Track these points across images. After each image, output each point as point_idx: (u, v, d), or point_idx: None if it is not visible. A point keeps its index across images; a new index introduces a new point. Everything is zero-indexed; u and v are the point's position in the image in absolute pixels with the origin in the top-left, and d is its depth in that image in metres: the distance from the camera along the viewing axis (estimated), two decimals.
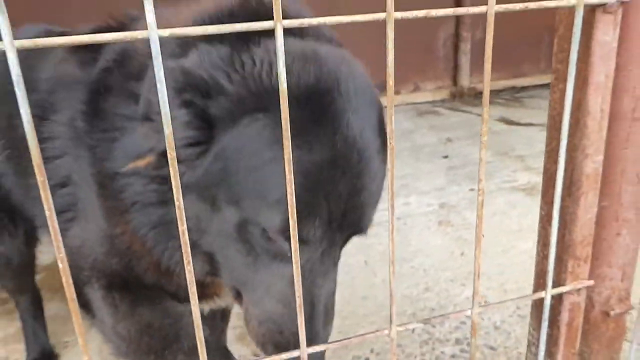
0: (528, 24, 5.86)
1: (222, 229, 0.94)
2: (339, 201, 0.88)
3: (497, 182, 3.42)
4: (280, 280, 0.94)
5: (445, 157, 3.98)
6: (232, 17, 0.97)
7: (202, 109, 0.86)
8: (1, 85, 1.40)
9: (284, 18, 0.61)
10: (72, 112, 1.17)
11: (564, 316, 0.89)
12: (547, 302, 0.84)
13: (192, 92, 0.85)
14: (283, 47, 0.61)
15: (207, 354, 0.79)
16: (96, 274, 1.21)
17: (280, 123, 0.75)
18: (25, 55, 1.47)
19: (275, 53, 0.83)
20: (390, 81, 0.66)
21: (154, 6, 0.54)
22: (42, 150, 1.22)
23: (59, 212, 1.24)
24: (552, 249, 0.81)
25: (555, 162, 0.80)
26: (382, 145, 0.95)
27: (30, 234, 1.73)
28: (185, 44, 0.94)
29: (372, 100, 0.95)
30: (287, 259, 0.91)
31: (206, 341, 0.87)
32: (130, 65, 1.06)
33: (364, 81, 0.96)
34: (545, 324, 0.85)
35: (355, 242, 2.94)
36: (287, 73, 0.83)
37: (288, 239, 0.86)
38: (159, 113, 0.83)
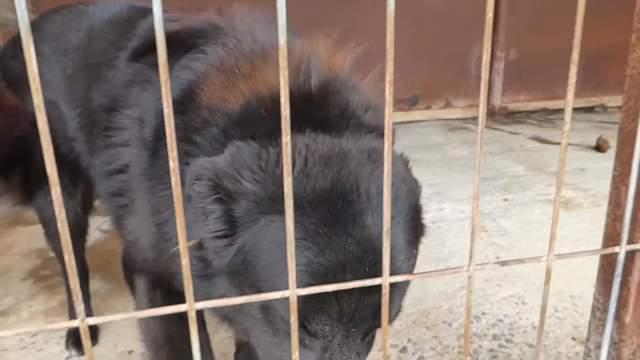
0: (564, 47, 5.87)
1: (250, 311, 0.97)
2: (350, 300, 0.87)
3: (532, 195, 3.41)
4: None
5: None
6: (268, 113, 1.00)
7: (230, 208, 0.92)
8: (82, 59, 1.47)
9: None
10: (142, 113, 1.21)
11: (635, 276, 0.89)
12: (621, 258, 0.85)
13: (222, 191, 0.92)
14: None
15: None
16: (144, 270, 1.26)
17: (296, 226, 0.82)
18: (105, 48, 1.53)
19: (298, 152, 0.90)
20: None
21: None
22: (108, 137, 1.29)
23: (113, 195, 1.30)
24: (630, 201, 0.82)
25: (634, 120, 0.81)
26: (411, 239, 0.95)
27: (87, 199, 1.78)
28: (223, 139, 1.00)
29: (400, 197, 0.95)
30: (307, 345, 0.93)
31: None
32: (190, 116, 1.09)
33: (392, 182, 0.95)
34: (617, 280, 0.86)
35: None
36: (306, 176, 0.89)
37: (302, 329, 0.90)
38: (196, 207, 0.94)
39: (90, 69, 1.45)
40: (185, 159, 1.03)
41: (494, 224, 2.96)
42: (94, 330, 2.03)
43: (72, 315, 2.03)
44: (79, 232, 1.87)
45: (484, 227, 2.93)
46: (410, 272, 0.98)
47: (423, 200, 3.15)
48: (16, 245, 2.88)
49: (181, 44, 1.21)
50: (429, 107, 5.87)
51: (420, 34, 5.45)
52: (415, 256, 0.99)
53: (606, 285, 0.96)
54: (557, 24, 5.65)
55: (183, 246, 0.65)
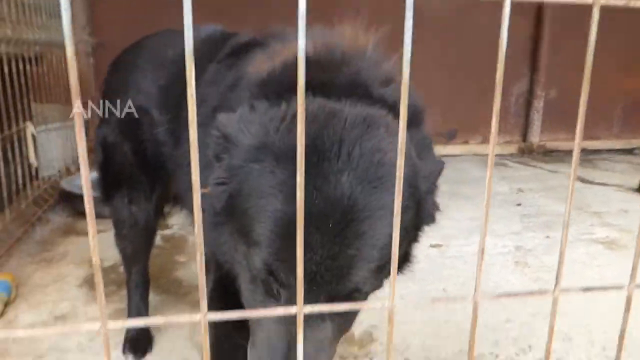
0: (605, 87, 5.88)
1: (237, 257, 1.05)
2: (312, 256, 0.89)
3: (575, 234, 3.40)
4: (267, 320, 0.97)
5: (519, 205, 3.99)
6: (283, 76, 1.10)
7: (232, 158, 1.02)
8: (176, 72, 1.59)
9: None
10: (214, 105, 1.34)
11: None
12: None
13: (228, 142, 1.03)
14: None
15: None
16: (213, 264, 1.33)
17: (269, 175, 0.92)
18: (198, 61, 1.66)
19: (291, 111, 0.98)
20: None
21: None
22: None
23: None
24: None
25: None
26: (392, 216, 0.98)
27: (161, 205, 1.87)
28: (247, 98, 1.12)
29: (385, 164, 0.95)
30: (274, 293, 0.96)
31: None
32: (236, 94, 1.24)
33: (381, 148, 0.96)
34: None
35: (433, 272, 2.96)
36: (288, 131, 0.96)
37: (269, 276, 0.94)
38: (209, 155, 1.05)
39: (183, 80, 1.56)
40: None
41: (537, 261, 2.97)
42: (148, 338, 2.10)
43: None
44: (148, 236, 1.95)
45: (526, 263, 2.93)
46: (388, 246, 0.94)
47: (464, 232, 3.19)
48: (70, 254, 2.99)
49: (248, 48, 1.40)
50: (466, 142, 5.91)
51: (461, 68, 5.54)
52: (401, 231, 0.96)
53: None
54: (599, 65, 5.67)
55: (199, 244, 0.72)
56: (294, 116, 0.96)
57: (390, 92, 1.09)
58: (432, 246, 3.09)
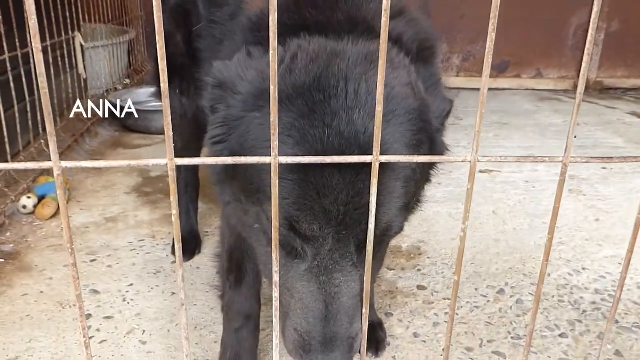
0: None
1: (248, 221, 0.98)
2: (335, 198, 0.83)
3: (634, 166, 3.24)
4: (294, 277, 0.93)
5: (574, 137, 3.81)
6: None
7: (229, 112, 0.94)
8: None
9: None
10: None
11: None
12: None
13: (225, 93, 0.95)
14: None
15: None
16: (227, 230, 1.38)
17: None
18: None
19: (286, 51, 0.90)
20: None
21: None
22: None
23: None
24: None
25: None
26: (409, 143, 0.89)
27: None
28: (248, 42, 1.03)
29: (396, 98, 0.89)
30: (298, 254, 0.91)
31: None
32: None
33: (387, 83, 0.89)
34: None
35: (484, 195, 2.89)
36: (289, 72, 0.87)
37: (291, 231, 0.86)
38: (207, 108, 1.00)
39: None
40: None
41: (592, 189, 2.85)
42: (197, 241, 2.13)
43: (180, 221, 2.13)
44: (197, 130, 1.89)
45: (581, 191, 2.82)
46: (411, 180, 0.91)
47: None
48: None
49: None
50: (518, 76, 5.65)
51: None
52: (415, 170, 0.92)
53: None
54: None
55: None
56: (293, 57, 0.90)
57: (394, 25, 1.02)
58: (482, 172, 3.00)
